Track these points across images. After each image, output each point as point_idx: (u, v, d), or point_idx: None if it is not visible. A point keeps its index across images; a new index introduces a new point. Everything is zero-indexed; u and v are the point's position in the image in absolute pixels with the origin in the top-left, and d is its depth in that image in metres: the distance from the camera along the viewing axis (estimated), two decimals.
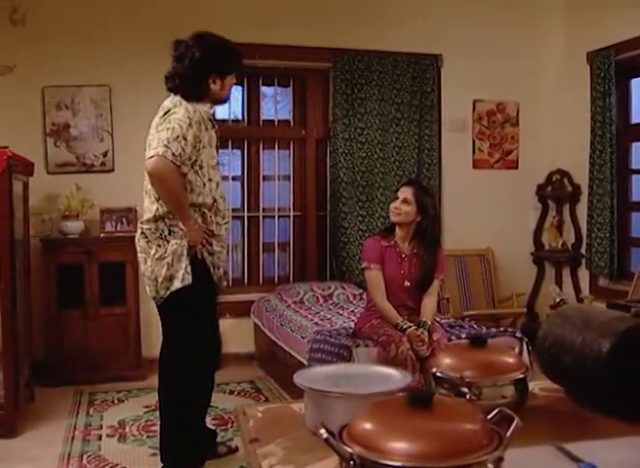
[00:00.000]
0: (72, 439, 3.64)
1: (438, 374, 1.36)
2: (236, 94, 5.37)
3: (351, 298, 5.04)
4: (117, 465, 3.28)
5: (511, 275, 5.72)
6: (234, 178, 5.41)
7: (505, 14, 5.61)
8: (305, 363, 3.83)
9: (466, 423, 0.96)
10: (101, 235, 4.71)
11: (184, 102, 2.83)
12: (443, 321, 4.25)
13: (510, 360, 1.40)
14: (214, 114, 2.95)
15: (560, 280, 5.74)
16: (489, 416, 1.02)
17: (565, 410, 1.45)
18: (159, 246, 2.81)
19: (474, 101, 5.63)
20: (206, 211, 2.87)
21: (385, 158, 5.39)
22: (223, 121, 5.31)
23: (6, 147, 3.73)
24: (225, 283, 3.18)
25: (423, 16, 5.42)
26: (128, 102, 4.82)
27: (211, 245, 2.87)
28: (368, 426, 0.96)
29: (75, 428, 3.81)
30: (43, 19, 4.69)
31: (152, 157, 2.68)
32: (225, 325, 5.21)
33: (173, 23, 4.72)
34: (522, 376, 1.38)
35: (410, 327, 3.42)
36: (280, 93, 5.52)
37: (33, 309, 4.45)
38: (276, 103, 5.53)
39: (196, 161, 2.80)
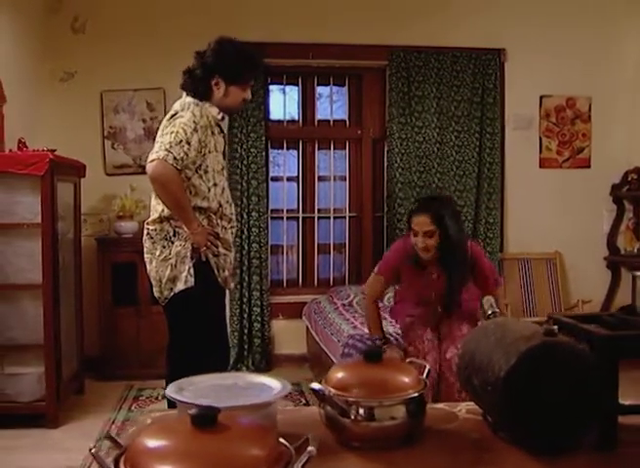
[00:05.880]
0: (108, 433, 3.74)
1: (319, 392, 1.25)
2: (292, 94, 5.36)
3: None
4: None
5: (582, 281, 5.35)
6: (290, 179, 5.39)
7: (576, 5, 5.27)
8: None
9: (250, 447, 0.88)
10: None
11: (192, 106, 2.83)
12: None
13: (405, 377, 1.27)
14: (222, 119, 2.92)
15: (636, 287, 5.30)
16: (297, 443, 0.93)
17: (474, 437, 1.29)
18: (164, 247, 2.82)
19: (541, 97, 5.31)
20: (212, 214, 2.85)
21: (444, 157, 5.19)
22: (279, 121, 5.34)
23: (53, 150, 3.88)
24: (233, 285, 3.13)
25: (484, 9, 5.18)
26: None
27: (216, 246, 2.85)
28: (143, 447, 0.89)
29: (114, 422, 3.92)
30: (101, 27, 4.88)
31: (153, 161, 2.69)
32: (278, 326, 5.26)
33: (224, 25, 4.70)
34: (416, 395, 1.25)
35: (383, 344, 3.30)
36: (336, 92, 5.44)
37: (89, 306, 4.63)
38: (332, 103, 5.45)
39: (201, 166, 2.79)
